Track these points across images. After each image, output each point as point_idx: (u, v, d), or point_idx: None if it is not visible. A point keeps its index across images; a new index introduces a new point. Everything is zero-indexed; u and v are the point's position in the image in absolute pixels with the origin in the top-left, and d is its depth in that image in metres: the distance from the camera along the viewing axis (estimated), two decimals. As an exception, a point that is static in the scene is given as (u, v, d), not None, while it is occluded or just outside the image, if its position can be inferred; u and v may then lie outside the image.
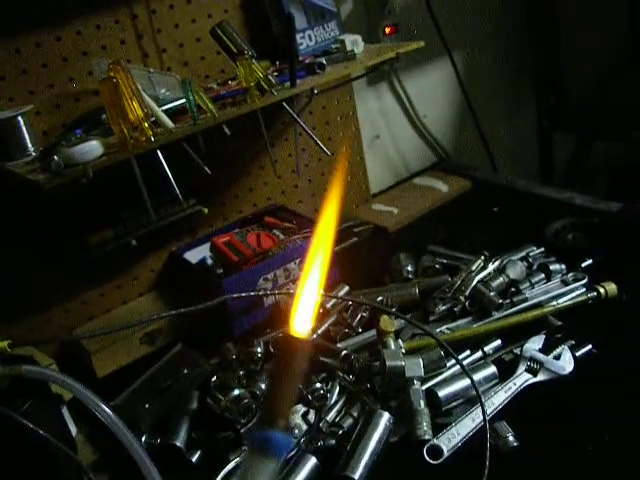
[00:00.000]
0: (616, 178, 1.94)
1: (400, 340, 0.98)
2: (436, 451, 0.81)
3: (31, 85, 1.07)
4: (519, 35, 1.88)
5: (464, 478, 0.79)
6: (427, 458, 0.81)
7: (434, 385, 0.91)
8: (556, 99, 1.93)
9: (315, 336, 1.05)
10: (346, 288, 1.17)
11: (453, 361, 0.93)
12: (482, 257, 1.16)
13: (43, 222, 1.11)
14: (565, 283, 1.09)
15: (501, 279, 1.10)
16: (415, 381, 0.89)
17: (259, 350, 0.99)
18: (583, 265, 1.13)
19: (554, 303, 1.03)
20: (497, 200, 1.50)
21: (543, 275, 1.11)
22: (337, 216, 0.51)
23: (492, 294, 1.06)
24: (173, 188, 1.05)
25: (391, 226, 1.46)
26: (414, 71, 1.67)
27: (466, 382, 0.88)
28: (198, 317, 1.07)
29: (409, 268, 1.21)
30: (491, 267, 1.13)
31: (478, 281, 1.10)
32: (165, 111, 1.04)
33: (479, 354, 0.97)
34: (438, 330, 1.03)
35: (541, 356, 0.92)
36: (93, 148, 0.96)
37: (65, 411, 0.93)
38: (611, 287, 1.03)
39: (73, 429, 0.94)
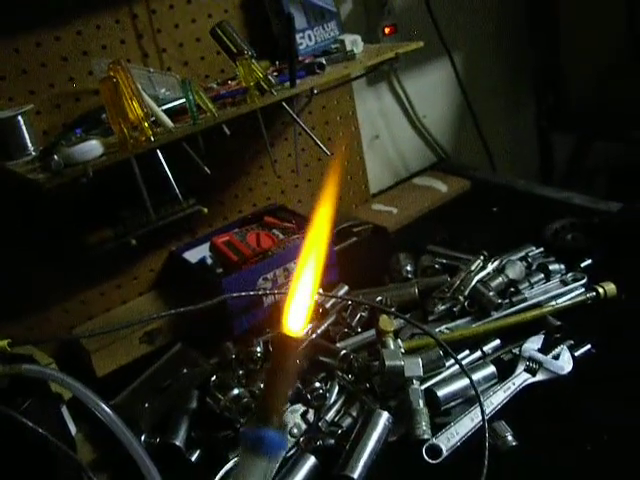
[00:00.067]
0: (616, 178, 1.94)
1: (399, 340, 0.98)
2: (435, 451, 0.81)
3: (31, 85, 1.07)
4: (519, 35, 1.88)
5: (463, 477, 0.79)
6: (426, 458, 0.81)
7: (433, 385, 0.91)
8: (556, 99, 1.93)
9: (314, 336, 1.05)
10: (345, 288, 1.17)
11: (452, 361, 0.93)
12: (481, 257, 1.16)
13: (43, 222, 1.11)
14: (564, 283, 1.09)
15: (500, 279, 1.10)
16: (414, 381, 0.89)
17: (259, 350, 0.99)
18: (582, 265, 1.13)
19: (553, 303, 1.03)
20: (496, 200, 1.50)
21: (542, 275, 1.11)
22: (332, 214, 0.51)
23: (491, 294, 1.06)
24: (173, 188, 1.05)
25: (390, 226, 1.46)
26: (414, 71, 1.67)
27: (465, 382, 0.88)
28: (198, 317, 1.07)
29: (408, 268, 1.21)
30: (490, 267, 1.14)
31: (477, 281, 1.10)
32: (165, 111, 1.04)
33: (478, 354, 0.97)
34: (437, 330, 1.03)
35: (540, 356, 0.92)
36: (93, 148, 0.96)
37: (65, 410, 0.93)
38: (610, 287, 1.03)
39: (73, 428, 0.94)
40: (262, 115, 1.11)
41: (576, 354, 0.93)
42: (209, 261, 1.27)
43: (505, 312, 1.04)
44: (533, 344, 0.95)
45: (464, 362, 0.94)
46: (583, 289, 1.06)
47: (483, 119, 1.80)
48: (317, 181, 1.48)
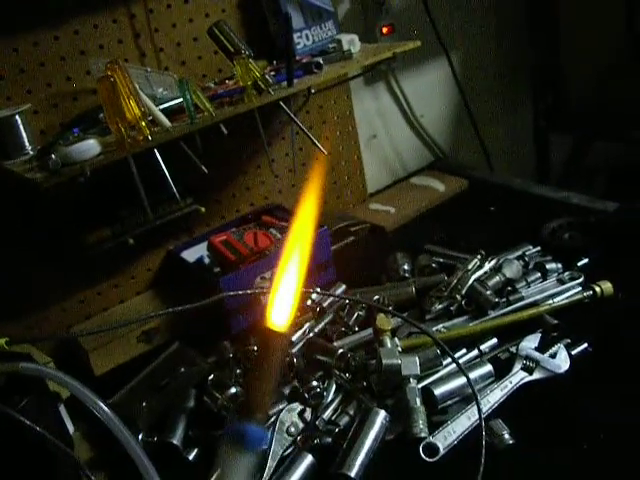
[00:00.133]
0: (615, 178, 1.94)
1: (396, 339, 0.98)
2: (432, 449, 0.82)
3: (29, 84, 1.07)
4: (517, 35, 1.88)
5: (460, 476, 0.80)
6: (423, 456, 0.81)
7: (430, 383, 0.91)
8: (556, 99, 1.93)
9: (312, 335, 1.06)
10: (343, 287, 1.17)
11: (449, 359, 0.93)
12: (478, 256, 1.16)
13: (42, 222, 1.12)
14: (561, 282, 1.09)
15: (497, 278, 1.10)
16: (411, 379, 0.89)
17: (256, 349, 0.99)
18: (579, 264, 1.13)
19: (550, 302, 1.03)
20: (494, 199, 1.50)
21: (539, 274, 1.11)
22: (317, 209, 0.51)
23: (488, 293, 1.06)
24: (170, 187, 1.06)
25: (388, 225, 1.47)
26: (411, 71, 1.67)
27: (462, 380, 0.89)
28: (195, 315, 1.07)
29: (406, 267, 1.21)
30: (487, 266, 1.14)
31: (474, 280, 1.10)
32: (162, 110, 1.04)
33: (475, 352, 0.98)
34: (434, 329, 1.03)
35: (537, 354, 0.92)
36: (90, 147, 0.96)
37: (62, 409, 0.93)
38: (607, 286, 1.03)
39: (70, 427, 0.95)
40: (259, 114, 1.12)
41: (573, 353, 0.94)
42: (207, 260, 1.27)
43: (502, 311, 1.05)
44: (530, 343, 0.95)
45: (461, 361, 0.94)
46: (580, 288, 1.06)
47: (480, 119, 1.80)
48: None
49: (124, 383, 1.04)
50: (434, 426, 0.85)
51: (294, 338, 1.03)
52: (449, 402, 0.89)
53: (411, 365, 0.90)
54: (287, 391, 0.93)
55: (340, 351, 0.95)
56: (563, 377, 0.91)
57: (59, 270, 1.16)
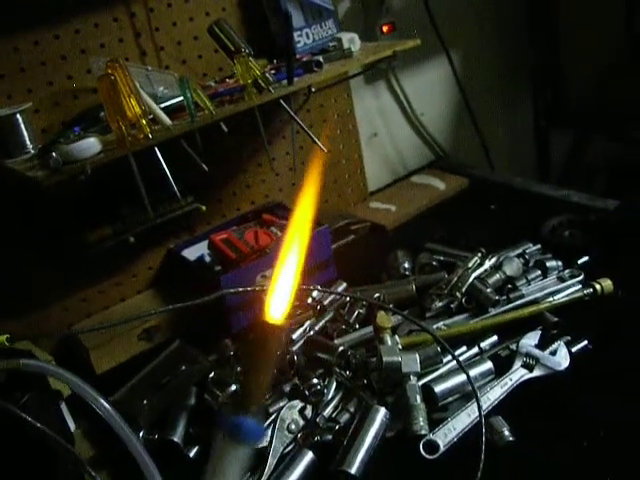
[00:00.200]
0: (615, 178, 1.94)
1: (397, 336, 0.98)
2: (432, 446, 0.82)
3: (30, 83, 1.07)
4: (518, 34, 1.88)
5: (460, 473, 0.80)
6: (423, 453, 0.81)
7: (430, 381, 0.91)
8: (556, 98, 1.93)
9: (312, 332, 1.06)
10: (343, 285, 1.17)
11: (449, 357, 0.93)
12: (479, 254, 1.16)
13: (43, 221, 1.12)
14: (561, 280, 1.09)
15: (497, 276, 1.10)
16: (411, 377, 0.89)
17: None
18: (579, 262, 1.13)
19: (550, 299, 1.03)
20: (494, 198, 1.50)
21: (539, 272, 1.11)
22: (315, 205, 0.51)
23: (488, 291, 1.06)
24: (171, 185, 1.06)
25: (389, 224, 1.47)
26: (412, 69, 1.67)
27: (462, 378, 0.89)
28: (196, 313, 1.07)
29: (406, 265, 1.21)
30: (488, 264, 1.14)
31: (475, 278, 1.10)
32: (163, 109, 1.04)
33: (475, 350, 0.98)
34: (435, 326, 1.03)
35: (537, 352, 0.93)
36: (91, 145, 0.96)
37: (64, 407, 0.93)
38: (607, 284, 1.03)
39: (72, 425, 0.95)
40: (260, 113, 1.12)
41: (573, 350, 0.94)
42: (207, 259, 1.27)
43: (502, 308, 1.05)
44: (530, 340, 0.95)
45: (461, 358, 0.94)
46: (580, 286, 1.06)
47: (481, 117, 1.80)
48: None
49: (125, 381, 1.04)
50: (434, 423, 0.85)
51: (295, 336, 1.03)
52: (449, 399, 0.89)
53: (411, 362, 0.90)
54: (288, 389, 0.94)
55: (340, 349, 0.95)
56: (563, 374, 0.91)
57: (60, 269, 1.16)
